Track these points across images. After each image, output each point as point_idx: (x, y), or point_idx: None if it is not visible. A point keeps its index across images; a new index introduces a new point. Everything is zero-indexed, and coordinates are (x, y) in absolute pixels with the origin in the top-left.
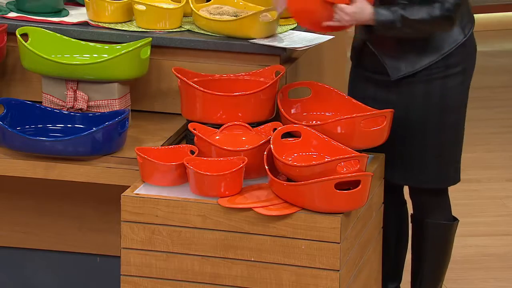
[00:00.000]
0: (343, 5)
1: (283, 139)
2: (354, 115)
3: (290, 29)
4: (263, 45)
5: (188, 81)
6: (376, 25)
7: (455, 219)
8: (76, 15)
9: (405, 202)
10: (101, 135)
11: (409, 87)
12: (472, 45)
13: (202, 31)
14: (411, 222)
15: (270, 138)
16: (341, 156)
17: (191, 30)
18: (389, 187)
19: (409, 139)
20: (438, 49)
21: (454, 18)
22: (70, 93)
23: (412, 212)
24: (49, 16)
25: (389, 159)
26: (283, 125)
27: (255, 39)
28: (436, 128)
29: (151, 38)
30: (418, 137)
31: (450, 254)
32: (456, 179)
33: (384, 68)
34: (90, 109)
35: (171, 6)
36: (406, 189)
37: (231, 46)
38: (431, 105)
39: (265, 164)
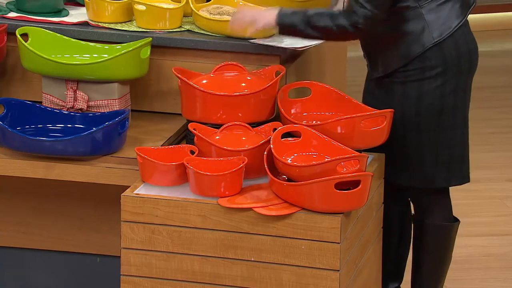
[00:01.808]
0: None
1: (283, 139)
2: (354, 115)
3: None
4: (263, 45)
5: (188, 81)
6: (278, 26)
7: (456, 220)
8: (76, 15)
9: (409, 203)
10: (101, 135)
11: (391, 86)
12: (453, 47)
13: (202, 31)
14: (412, 222)
15: (270, 138)
16: (341, 156)
17: (191, 30)
18: (394, 187)
19: (392, 138)
20: (410, 53)
21: (363, 28)
22: (70, 93)
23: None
24: (49, 16)
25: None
26: (283, 125)
27: (255, 39)
28: (414, 130)
29: (151, 38)
30: (399, 137)
31: (450, 255)
32: (448, 181)
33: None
34: (90, 109)
35: (171, 6)
36: None
37: (231, 46)
38: (407, 106)
39: (265, 164)
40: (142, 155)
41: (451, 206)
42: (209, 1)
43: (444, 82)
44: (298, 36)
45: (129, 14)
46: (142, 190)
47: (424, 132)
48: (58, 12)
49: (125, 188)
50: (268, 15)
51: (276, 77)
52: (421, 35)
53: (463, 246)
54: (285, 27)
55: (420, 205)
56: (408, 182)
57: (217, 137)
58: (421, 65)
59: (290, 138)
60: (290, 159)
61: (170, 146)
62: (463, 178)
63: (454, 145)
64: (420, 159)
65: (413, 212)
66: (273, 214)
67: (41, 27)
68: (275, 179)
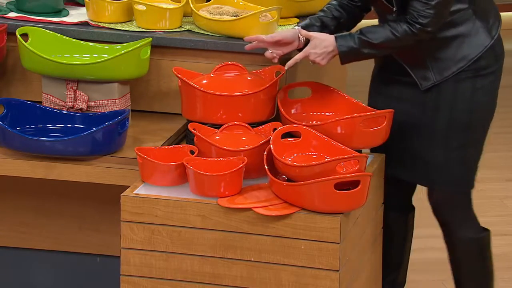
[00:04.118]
0: (305, 52)
1: (283, 139)
2: (354, 115)
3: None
4: None
5: (188, 81)
6: (340, 56)
7: (486, 230)
8: (76, 15)
9: (411, 208)
10: (101, 135)
11: (438, 87)
12: (501, 46)
13: (202, 31)
14: (444, 240)
15: (270, 138)
16: (340, 156)
17: (191, 30)
18: (396, 192)
19: (436, 137)
20: (466, 56)
21: (429, 30)
22: (70, 93)
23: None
24: (49, 16)
25: (409, 160)
26: (283, 125)
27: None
28: (464, 127)
29: (151, 38)
30: (444, 136)
31: (490, 268)
32: (473, 183)
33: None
34: (90, 109)
35: (171, 6)
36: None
37: (231, 46)
38: (460, 103)
39: (265, 164)
40: (142, 155)
41: (475, 216)
42: (209, 1)
43: (495, 79)
44: (362, 59)
45: (129, 14)
46: (142, 190)
47: (476, 130)
48: (58, 12)
49: (125, 188)
50: (329, 53)
51: (276, 77)
52: (476, 36)
53: None
54: (348, 54)
55: (445, 220)
56: (439, 185)
57: (217, 137)
58: (475, 65)
59: (290, 138)
60: (290, 159)
61: (170, 146)
62: (473, 182)
63: (481, 145)
64: (464, 159)
65: (441, 230)
66: (273, 214)
67: (41, 27)
68: (275, 179)
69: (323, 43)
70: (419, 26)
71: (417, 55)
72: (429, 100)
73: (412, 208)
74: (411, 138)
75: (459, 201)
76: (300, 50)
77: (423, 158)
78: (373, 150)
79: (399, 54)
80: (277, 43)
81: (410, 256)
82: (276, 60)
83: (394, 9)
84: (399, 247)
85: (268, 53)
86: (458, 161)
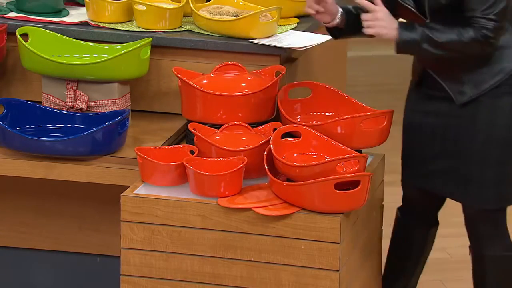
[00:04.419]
0: (376, 8)
1: (283, 139)
2: (354, 115)
3: (290, 29)
4: (263, 45)
5: (188, 81)
6: (398, 43)
7: None
8: (76, 15)
9: (437, 222)
10: (101, 135)
11: (476, 102)
12: None
13: (202, 31)
14: (470, 255)
15: (270, 138)
16: (340, 156)
17: (191, 30)
18: (427, 204)
19: (472, 153)
20: (503, 69)
21: (493, 42)
22: (70, 93)
23: (469, 245)
24: (49, 16)
25: (445, 175)
26: (283, 125)
27: (255, 39)
28: (503, 144)
29: (151, 38)
30: (482, 151)
31: None
32: (510, 200)
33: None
34: (90, 109)
35: (171, 6)
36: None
37: (231, 46)
38: (499, 118)
39: (265, 164)
40: (142, 155)
41: (508, 233)
42: (209, 1)
43: None
44: (417, 53)
45: (129, 14)
46: (142, 190)
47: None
48: (58, 12)
49: (125, 188)
50: (393, 28)
51: (276, 77)
52: None
53: (464, 245)
54: (405, 44)
55: (477, 234)
56: (474, 202)
57: (217, 137)
58: None
59: (290, 138)
60: (290, 159)
61: (170, 146)
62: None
63: None
64: (502, 176)
65: (469, 243)
66: (273, 214)
67: (41, 27)
68: (275, 179)
69: (392, 17)
70: (484, 35)
71: (452, 69)
72: (467, 116)
73: (436, 223)
74: (448, 154)
75: (494, 217)
76: (328, 29)
77: (460, 174)
78: (408, 163)
79: (434, 68)
80: (320, 1)
81: None
82: (311, 11)
83: (427, 21)
84: (416, 259)
85: (309, 2)
86: (496, 177)
